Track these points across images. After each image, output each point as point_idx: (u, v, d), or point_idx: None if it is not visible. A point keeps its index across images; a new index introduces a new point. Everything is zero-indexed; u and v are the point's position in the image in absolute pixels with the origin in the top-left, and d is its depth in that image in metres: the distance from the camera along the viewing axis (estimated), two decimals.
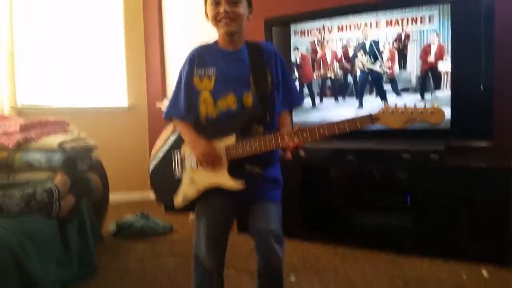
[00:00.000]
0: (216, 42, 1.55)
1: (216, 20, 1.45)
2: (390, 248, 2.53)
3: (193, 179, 1.52)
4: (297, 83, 2.93)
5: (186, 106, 1.53)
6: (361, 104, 2.75)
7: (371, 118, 1.30)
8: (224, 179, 1.45)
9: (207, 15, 1.50)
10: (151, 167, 1.68)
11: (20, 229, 1.83)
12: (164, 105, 4.04)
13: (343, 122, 1.32)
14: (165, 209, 3.61)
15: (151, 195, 4.15)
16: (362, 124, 1.30)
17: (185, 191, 1.53)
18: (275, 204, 1.54)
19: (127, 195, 4.10)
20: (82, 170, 2.62)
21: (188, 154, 1.54)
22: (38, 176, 2.49)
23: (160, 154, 1.64)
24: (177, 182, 1.56)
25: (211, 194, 1.50)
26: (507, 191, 2.22)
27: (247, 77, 1.48)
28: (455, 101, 2.47)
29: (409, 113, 1.25)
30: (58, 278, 1.97)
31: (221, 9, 1.42)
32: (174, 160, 1.58)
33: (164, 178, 1.61)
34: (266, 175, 1.52)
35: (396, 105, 1.28)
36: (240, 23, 1.46)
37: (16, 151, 2.58)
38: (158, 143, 1.68)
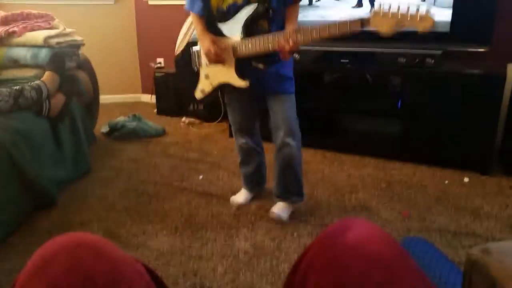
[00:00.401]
0: None
1: None
2: (377, 153, 2.60)
3: (208, 75, 1.68)
4: None
5: (202, 4, 1.61)
6: (360, 3, 2.61)
7: (361, 21, 1.31)
8: (232, 77, 1.59)
9: None
10: (177, 55, 1.81)
11: (13, 128, 1.82)
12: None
13: (334, 24, 1.36)
14: (157, 112, 3.63)
15: (142, 97, 4.17)
16: (353, 27, 1.33)
17: (202, 86, 1.71)
18: (287, 96, 1.70)
19: (118, 96, 4.05)
20: (70, 68, 2.55)
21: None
22: (25, 73, 2.42)
23: (183, 44, 1.77)
24: (196, 75, 1.73)
25: (229, 89, 1.66)
26: (498, 98, 2.22)
27: None
28: (457, 2, 2.35)
29: (398, 18, 1.23)
30: (54, 177, 2.02)
31: None
32: (193, 54, 1.72)
33: (185, 72, 1.78)
34: (275, 71, 1.64)
35: (389, 8, 1.25)
36: None
37: None
38: (183, 30, 1.79)
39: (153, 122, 3.17)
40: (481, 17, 2.32)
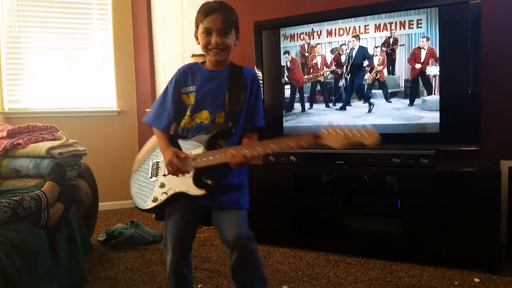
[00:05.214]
0: (203, 63, 1.68)
1: (206, 48, 1.57)
2: (382, 254, 2.53)
3: (163, 184, 1.62)
4: (288, 87, 2.95)
5: (167, 121, 1.64)
6: (344, 109, 2.78)
7: (314, 136, 1.36)
8: (189, 186, 1.55)
9: (197, 38, 1.61)
10: (133, 172, 1.76)
11: (7, 239, 1.78)
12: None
13: (289, 139, 1.40)
14: (155, 218, 3.59)
15: None
16: (306, 142, 1.37)
17: (155, 195, 1.63)
18: (238, 211, 1.59)
19: (117, 202, 4.04)
20: (71, 177, 2.57)
21: (162, 161, 1.64)
22: (26, 183, 2.44)
23: (143, 161, 1.75)
24: (151, 186, 1.66)
25: (177, 201, 1.60)
26: (496, 194, 2.23)
27: (223, 98, 1.59)
28: (444, 105, 2.49)
29: (346, 133, 1.30)
30: None
31: (212, 40, 1.53)
32: (150, 166, 1.69)
33: (141, 183, 1.71)
34: (227, 182, 1.59)
35: (337, 125, 1.33)
36: (228, 52, 1.59)
37: (3, 158, 2.53)
38: (143, 150, 1.78)
39: (151, 227, 3.12)
40: (468, 118, 2.45)
